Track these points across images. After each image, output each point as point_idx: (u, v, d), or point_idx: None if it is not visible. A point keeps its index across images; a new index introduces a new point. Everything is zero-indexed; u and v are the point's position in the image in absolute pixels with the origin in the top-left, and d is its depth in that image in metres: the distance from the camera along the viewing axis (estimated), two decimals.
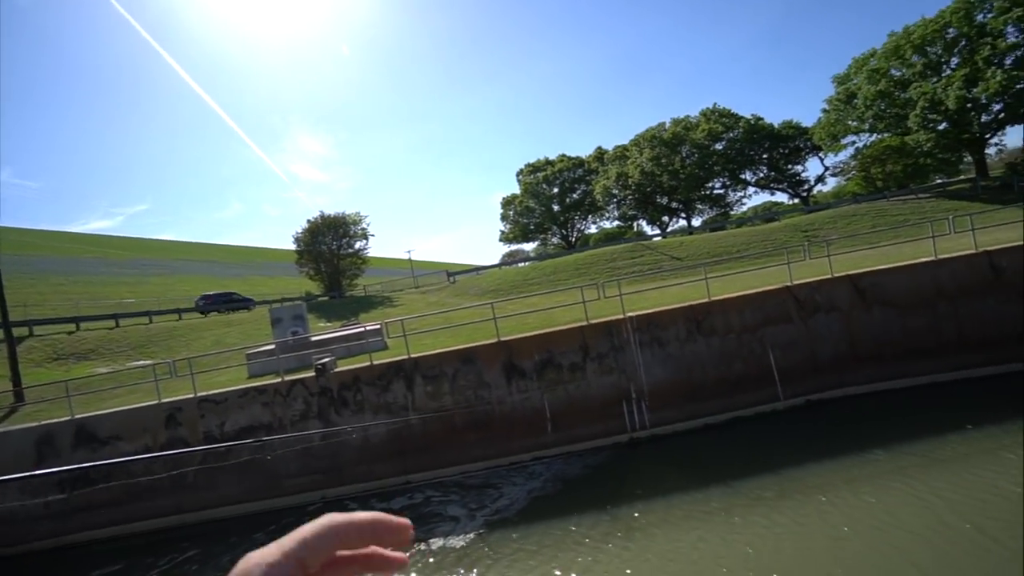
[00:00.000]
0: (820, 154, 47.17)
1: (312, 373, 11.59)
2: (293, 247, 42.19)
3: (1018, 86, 28.88)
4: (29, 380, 15.04)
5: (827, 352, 11.38)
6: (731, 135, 48.72)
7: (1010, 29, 29.16)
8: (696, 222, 54.03)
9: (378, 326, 15.75)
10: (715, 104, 50.80)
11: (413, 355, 11.53)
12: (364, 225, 42.72)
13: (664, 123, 52.58)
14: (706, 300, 11.59)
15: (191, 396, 11.67)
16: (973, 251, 11.52)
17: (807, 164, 49.90)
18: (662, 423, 11.04)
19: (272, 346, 14.87)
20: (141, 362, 19.49)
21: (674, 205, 54.99)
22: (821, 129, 42.30)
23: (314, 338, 15.84)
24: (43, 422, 11.91)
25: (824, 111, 42.06)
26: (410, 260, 65.97)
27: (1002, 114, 31.63)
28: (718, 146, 48.85)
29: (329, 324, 25.93)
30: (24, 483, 11.20)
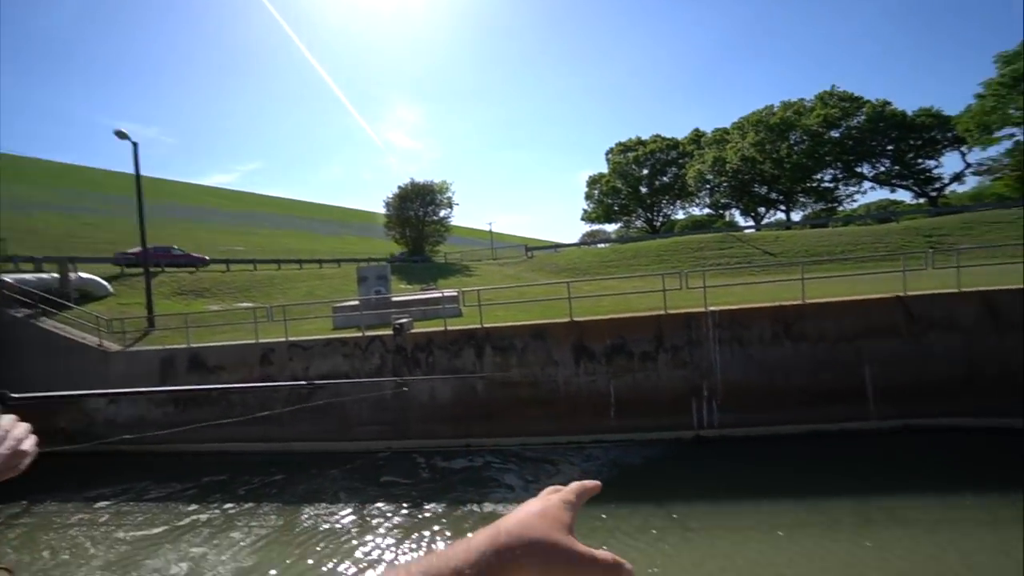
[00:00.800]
0: (963, 148, 40.70)
1: (390, 331, 12.26)
2: (383, 211, 44.37)
3: None
4: (159, 310, 17.32)
5: (938, 375, 10.08)
6: (851, 122, 43.64)
7: None
8: (796, 216, 49.59)
9: (455, 293, 16.24)
10: (833, 87, 45.47)
11: (485, 325, 11.79)
12: (449, 194, 43.84)
13: (772, 106, 48.07)
14: (799, 302, 10.69)
15: (283, 340, 12.84)
16: None
17: (942, 159, 43.32)
18: (734, 425, 10.48)
19: (356, 302, 15.87)
20: (245, 304, 21.71)
21: (773, 196, 50.76)
22: (970, 118, 35.63)
23: (394, 299, 16.68)
24: (167, 347, 13.71)
25: (979, 97, 34.90)
26: (490, 232, 67.04)
27: None
28: (833, 133, 43.99)
29: (409, 287, 27.19)
30: (152, 397, 13.04)
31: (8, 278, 16.06)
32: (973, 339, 10.06)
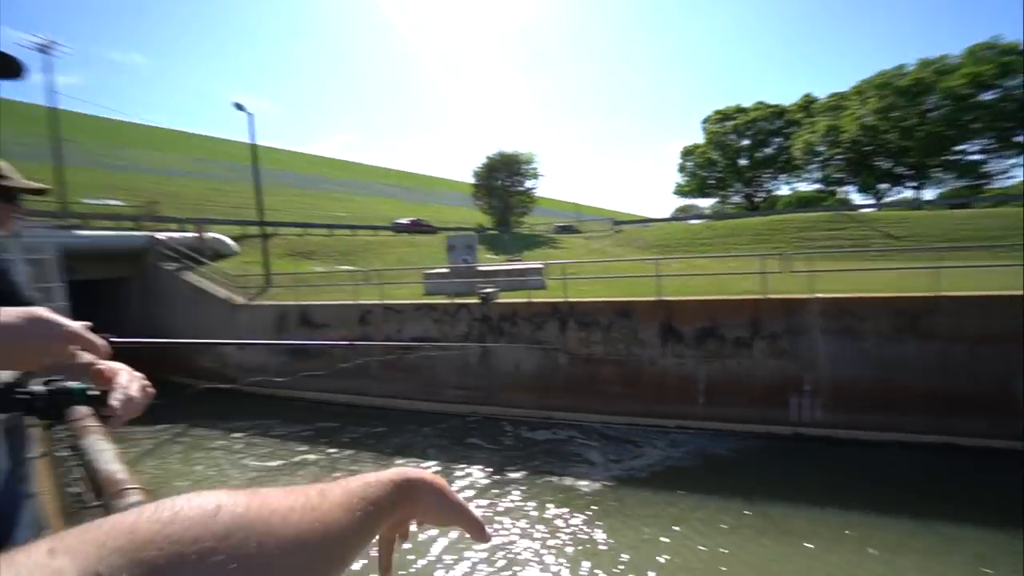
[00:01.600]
0: None
1: (477, 300, 12.65)
2: (472, 181, 45.19)
3: None
4: (274, 269, 19.26)
5: None
6: (1012, 82, 36.59)
7: None
8: (929, 194, 43.30)
9: (540, 265, 16.31)
10: (992, 38, 37.75)
11: (570, 299, 11.78)
12: (535, 164, 43.57)
13: (904, 66, 41.41)
14: (932, 294, 9.43)
15: (378, 302, 13.74)
16: None
17: None
18: (839, 425, 9.67)
19: (446, 270, 16.51)
20: (345, 267, 23.43)
21: (899, 171, 44.60)
22: None
23: (480, 268, 17.13)
24: (280, 303, 15.25)
25: None
26: (577, 203, 66.06)
27: None
28: (985, 96, 37.21)
29: (495, 257, 27.73)
30: (269, 347, 14.67)
31: (161, 235, 18.63)
32: None
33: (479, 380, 12.29)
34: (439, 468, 9.40)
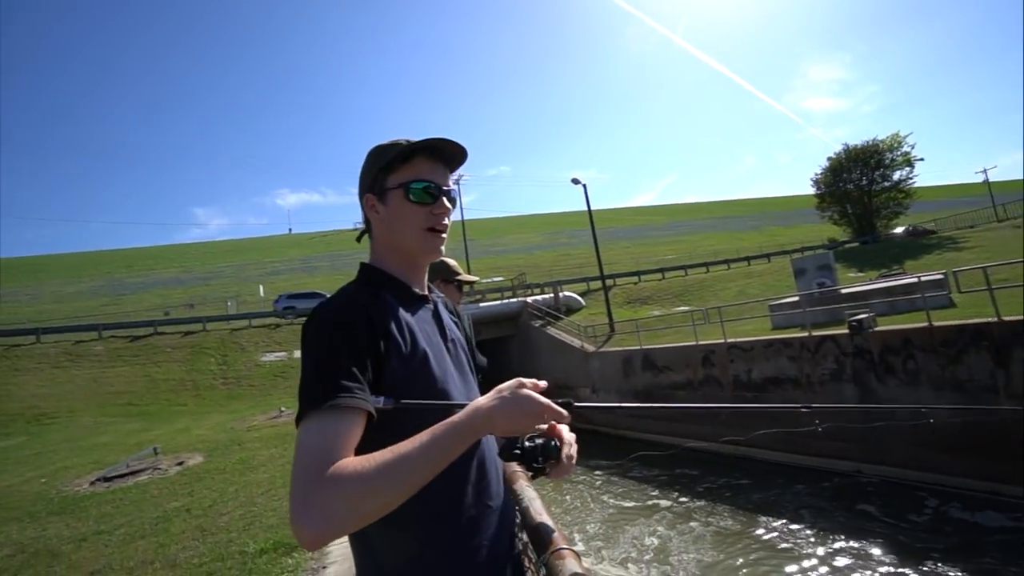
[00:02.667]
0: None
1: (844, 330, 10.33)
2: (811, 191, 38.76)
3: None
4: (616, 317, 21.06)
5: None
6: None
7: None
8: None
9: (939, 276, 12.14)
10: None
11: (1005, 318, 8.19)
12: (906, 149, 33.80)
13: None
14: None
15: (722, 341, 12.93)
16: None
17: None
18: None
19: (796, 298, 14.27)
20: (681, 308, 23.38)
21: None
22: None
23: (844, 290, 14.05)
24: (625, 348, 16.37)
25: None
26: (987, 183, 47.21)
27: None
28: None
29: (861, 274, 22.40)
30: (619, 388, 15.88)
31: (529, 299, 23.32)
32: None
33: (860, 430, 9.78)
34: (816, 538, 7.76)
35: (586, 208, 22.69)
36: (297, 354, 22.10)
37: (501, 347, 23.23)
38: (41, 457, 10.80)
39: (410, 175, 0.96)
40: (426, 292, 1.06)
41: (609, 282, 26.80)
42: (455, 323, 1.13)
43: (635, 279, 31.65)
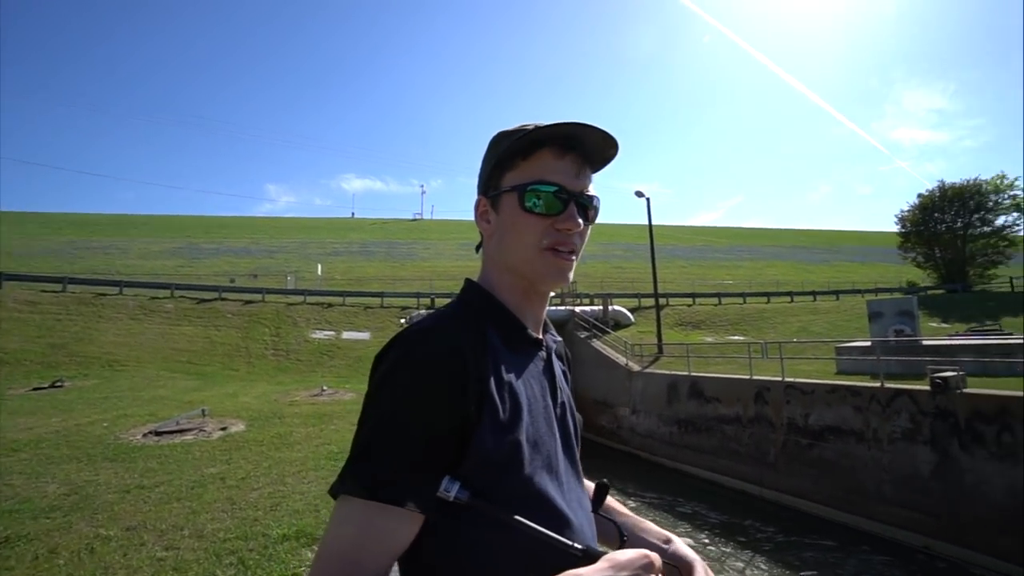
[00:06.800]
0: None
1: (925, 386, 9.33)
2: (894, 228, 35.92)
3: None
4: (666, 339, 20.25)
5: None
6: None
7: None
8: None
9: None
10: None
11: None
12: (1015, 192, 30.62)
13: None
14: None
15: (778, 379, 12.06)
16: None
17: None
18: None
19: (868, 343, 13.15)
20: (736, 337, 22.19)
21: None
22: None
23: (926, 342, 12.80)
24: (672, 372, 15.67)
25: None
26: None
27: None
28: None
29: (946, 326, 20.41)
30: (660, 413, 15.21)
31: (577, 308, 22.89)
32: None
33: (933, 501, 8.80)
34: None
35: (647, 222, 22.01)
36: (345, 334, 22.80)
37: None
38: (108, 401, 11.62)
39: (530, 174, 0.72)
40: (540, 334, 0.82)
41: (662, 301, 25.87)
42: (565, 374, 0.88)
43: (690, 301, 30.41)
